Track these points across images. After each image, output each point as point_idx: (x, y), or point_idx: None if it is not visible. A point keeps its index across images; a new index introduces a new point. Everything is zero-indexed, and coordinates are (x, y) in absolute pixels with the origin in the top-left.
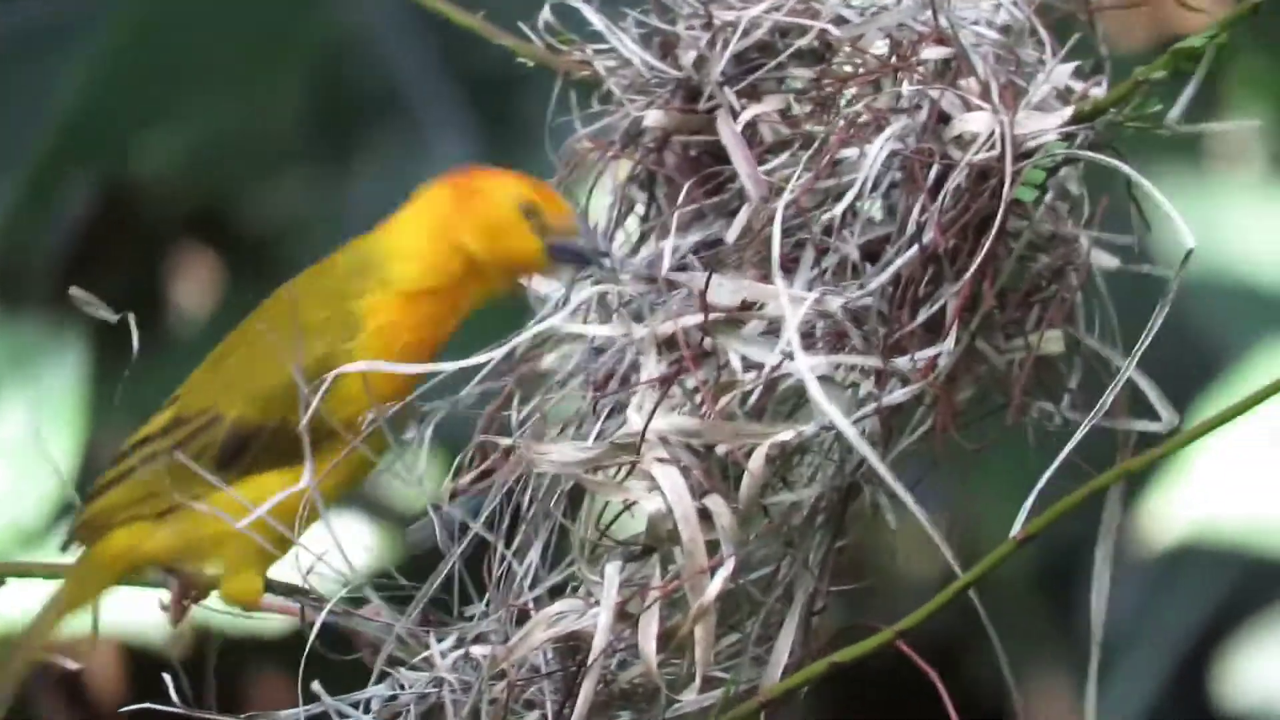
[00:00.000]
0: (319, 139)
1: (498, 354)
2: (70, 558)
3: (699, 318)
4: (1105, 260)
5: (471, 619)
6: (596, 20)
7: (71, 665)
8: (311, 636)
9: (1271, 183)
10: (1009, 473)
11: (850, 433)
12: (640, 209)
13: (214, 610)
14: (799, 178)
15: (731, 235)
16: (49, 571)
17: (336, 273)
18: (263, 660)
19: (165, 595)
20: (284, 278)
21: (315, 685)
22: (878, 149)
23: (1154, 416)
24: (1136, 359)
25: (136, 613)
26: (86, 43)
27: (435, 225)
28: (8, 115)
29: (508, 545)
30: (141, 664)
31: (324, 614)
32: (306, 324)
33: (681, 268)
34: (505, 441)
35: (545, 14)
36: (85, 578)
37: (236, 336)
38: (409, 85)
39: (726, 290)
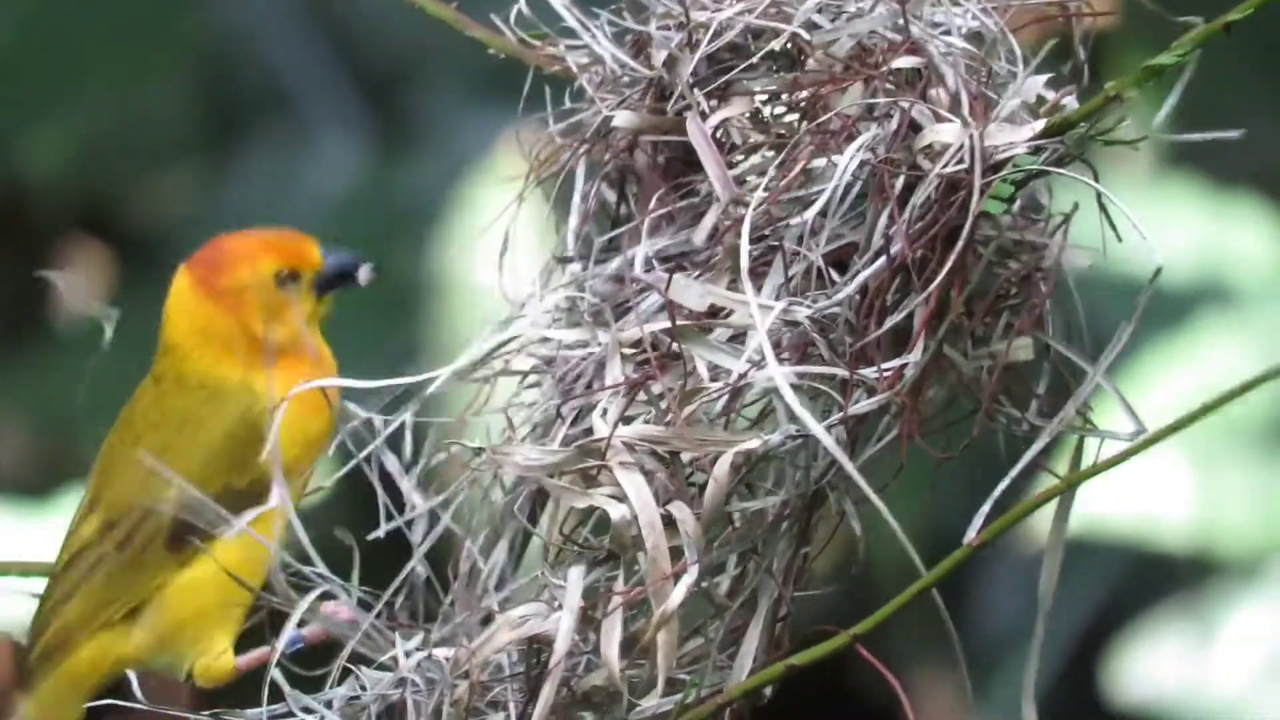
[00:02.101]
0: (206, 134)
1: (463, 361)
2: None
3: (666, 322)
4: (1078, 260)
5: (435, 620)
6: (570, 17)
7: None
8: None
9: (1158, 179)
10: (967, 476)
11: (828, 442)
12: (610, 208)
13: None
14: (768, 184)
15: (699, 237)
16: (24, 570)
17: (189, 394)
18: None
19: None
20: (171, 273)
21: (277, 677)
22: (848, 158)
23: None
24: (1105, 366)
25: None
26: None
27: (226, 340)
28: None
29: (474, 546)
30: None
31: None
32: (198, 407)
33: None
34: (471, 444)
35: (519, 7)
36: (57, 702)
37: (122, 436)
38: (297, 81)
39: (693, 293)
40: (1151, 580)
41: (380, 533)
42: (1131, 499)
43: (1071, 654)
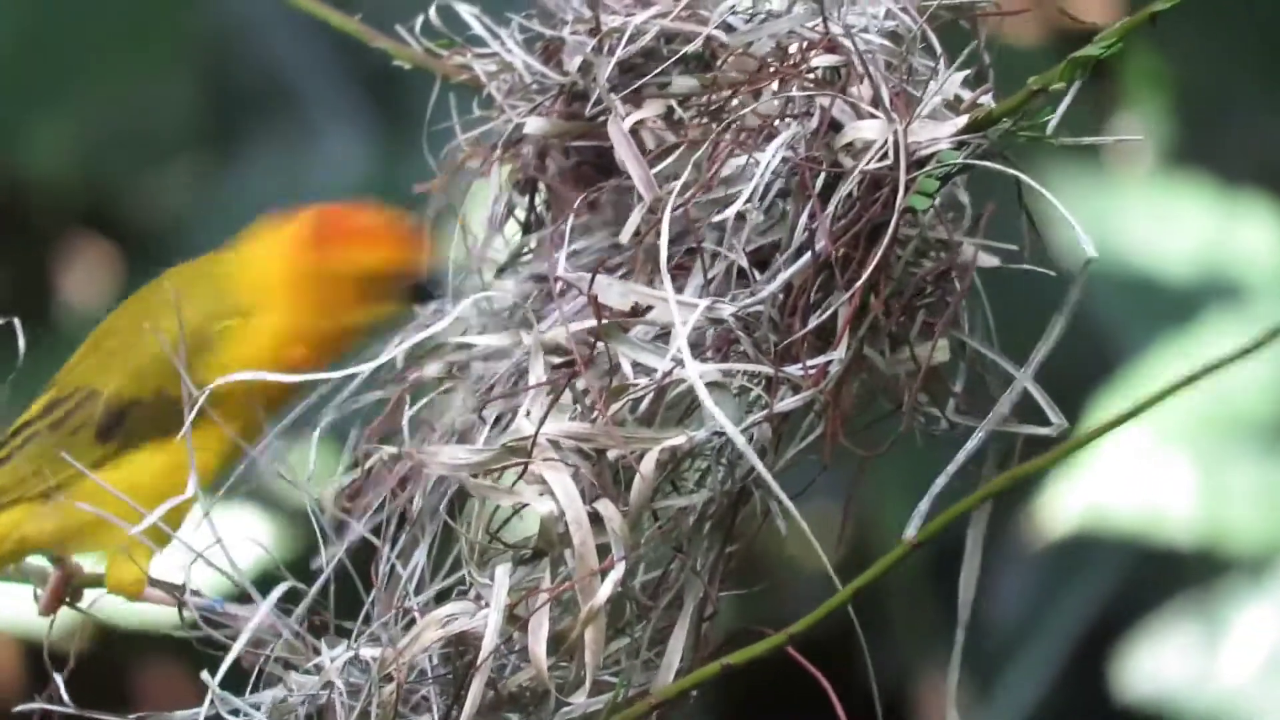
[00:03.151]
0: (209, 130)
1: (377, 362)
2: None
3: (589, 323)
4: (986, 260)
5: (356, 621)
6: (476, 24)
7: None
8: (187, 631)
9: (1163, 177)
10: (905, 472)
11: (740, 441)
12: (520, 214)
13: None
14: (687, 184)
15: (624, 237)
16: None
17: (213, 281)
18: (158, 655)
19: (41, 588)
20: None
21: (207, 677)
22: (770, 156)
23: (1042, 418)
24: (1034, 368)
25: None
26: None
27: (300, 295)
28: None
29: (392, 547)
30: (38, 658)
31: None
32: (183, 312)
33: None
34: (392, 448)
35: (428, 16)
36: None
37: (110, 321)
38: (299, 77)
39: (615, 292)
40: (1158, 577)
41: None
42: (1137, 496)
43: (1078, 649)
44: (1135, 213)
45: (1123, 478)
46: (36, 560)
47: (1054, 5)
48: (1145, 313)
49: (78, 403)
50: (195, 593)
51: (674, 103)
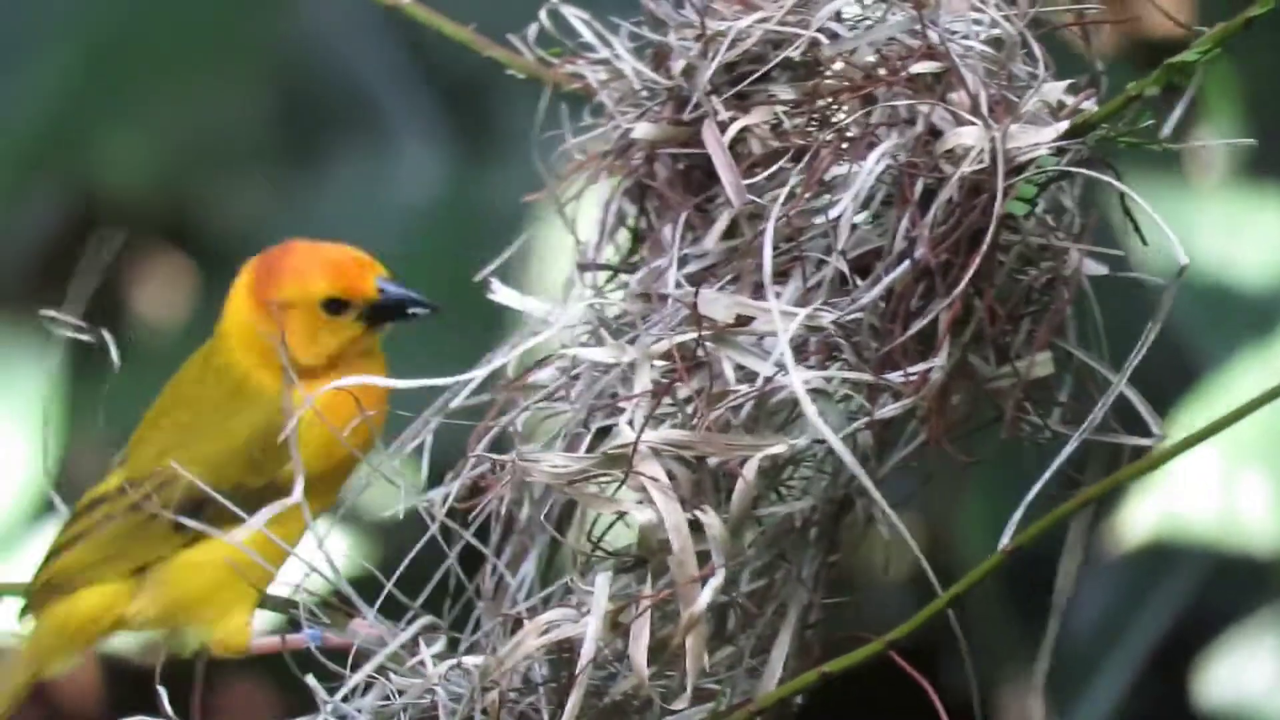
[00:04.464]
0: (285, 143)
1: (483, 371)
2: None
3: (693, 334)
4: (1094, 267)
5: (463, 629)
6: (588, 32)
7: None
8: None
9: (1237, 187)
10: (979, 479)
11: (841, 449)
12: (630, 222)
13: None
14: (789, 192)
15: (710, 241)
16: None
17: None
18: (240, 669)
19: None
20: None
21: (314, 683)
22: (871, 164)
23: (1140, 426)
24: (1128, 375)
25: None
26: (52, 50)
27: (265, 347)
28: None
29: (499, 555)
30: (118, 674)
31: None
32: (229, 401)
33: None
34: (497, 455)
35: (538, 25)
36: (54, 642)
37: (171, 394)
38: (379, 89)
39: (720, 306)
40: (1237, 585)
41: (399, 510)
42: (1214, 504)
43: (1158, 658)
44: (1210, 222)
45: (1199, 486)
46: None
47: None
48: (1222, 322)
49: (151, 490)
50: (296, 626)
51: (779, 109)
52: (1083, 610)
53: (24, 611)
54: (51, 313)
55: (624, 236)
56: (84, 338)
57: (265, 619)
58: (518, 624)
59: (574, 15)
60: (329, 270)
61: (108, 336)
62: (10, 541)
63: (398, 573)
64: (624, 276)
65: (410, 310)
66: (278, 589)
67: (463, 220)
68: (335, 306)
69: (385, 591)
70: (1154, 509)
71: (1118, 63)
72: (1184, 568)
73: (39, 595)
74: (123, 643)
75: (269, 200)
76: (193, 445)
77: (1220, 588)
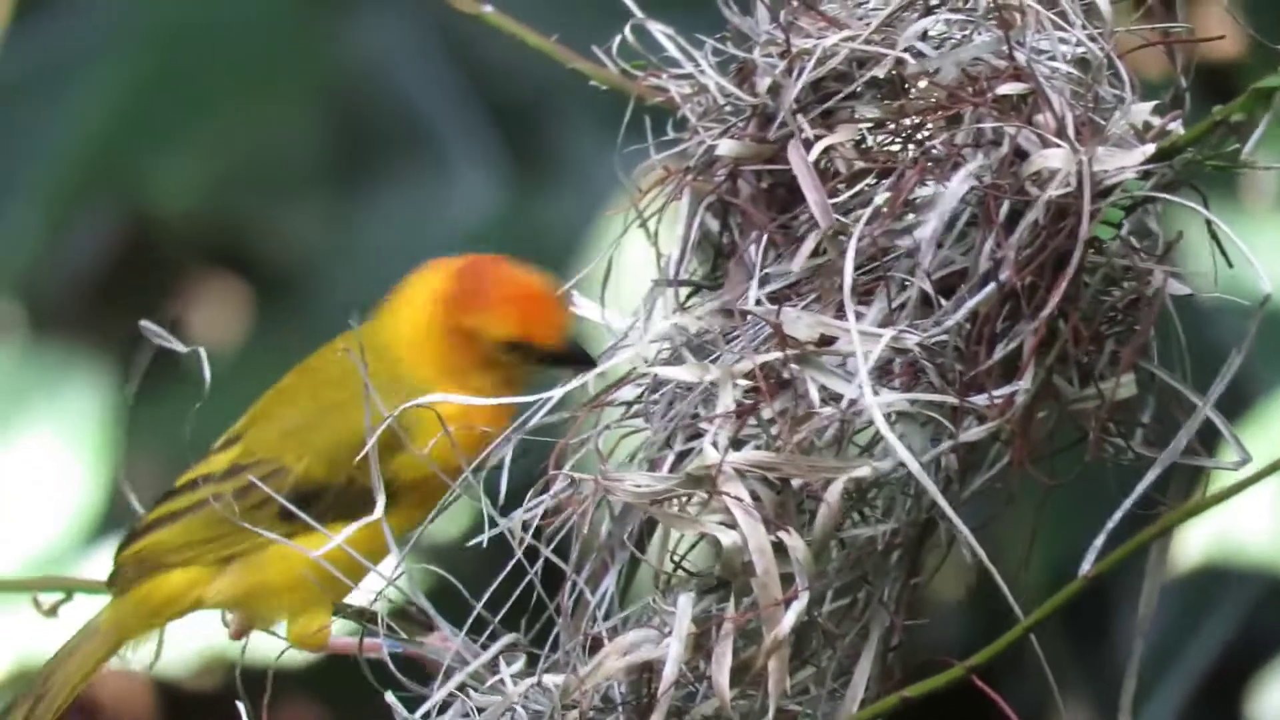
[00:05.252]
0: (341, 167)
1: (566, 388)
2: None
3: (776, 354)
4: (1178, 288)
5: (541, 646)
6: (672, 46)
7: None
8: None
9: None
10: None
11: (921, 474)
12: (713, 238)
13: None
14: (873, 212)
15: (797, 263)
16: (95, 588)
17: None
18: (292, 690)
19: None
20: (306, 307)
21: (393, 700)
22: (957, 185)
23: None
24: (1214, 400)
25: (167, 646)
26: (105, 73)
27: (437, 356)
28: (28, 146)
29: (578, 574)
30: (172, 697)
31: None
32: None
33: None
34: (579, 474)
35: (624, 37)
36: (133, 617)
37: (295, 381)
38: (433, 113)
39: (803, 325)
40: None
41: (484, 538)
42: (1268, 527)
43: (1212, 679)
44: (1266, 245)
45: (1253, 508)
46: None
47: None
48: (1276, 346)
49: (264, 475)
50: (372, 634)
51: (864, 128)
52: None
53: (110, 580)
54: (149, 325)
55: (706, 253)
56: (178, 349)
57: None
58: (597, 643)
59: (659, 30)
60: (523, 313)
61: (201, 353)
62: (65, 561)
63: (487, 594)
64: (705, 293)
65: (579, 365)
66: (354, 598)
67: (517, 243)
68: (517, 349)
69: (472, 611)
70: (1208, 532)
71: (1161, 85)
72: (1238, 590)
73: (127, 568)
74: (175, 667)
75: (323, 224)
76: (315, 434)
77: (1274, 610)
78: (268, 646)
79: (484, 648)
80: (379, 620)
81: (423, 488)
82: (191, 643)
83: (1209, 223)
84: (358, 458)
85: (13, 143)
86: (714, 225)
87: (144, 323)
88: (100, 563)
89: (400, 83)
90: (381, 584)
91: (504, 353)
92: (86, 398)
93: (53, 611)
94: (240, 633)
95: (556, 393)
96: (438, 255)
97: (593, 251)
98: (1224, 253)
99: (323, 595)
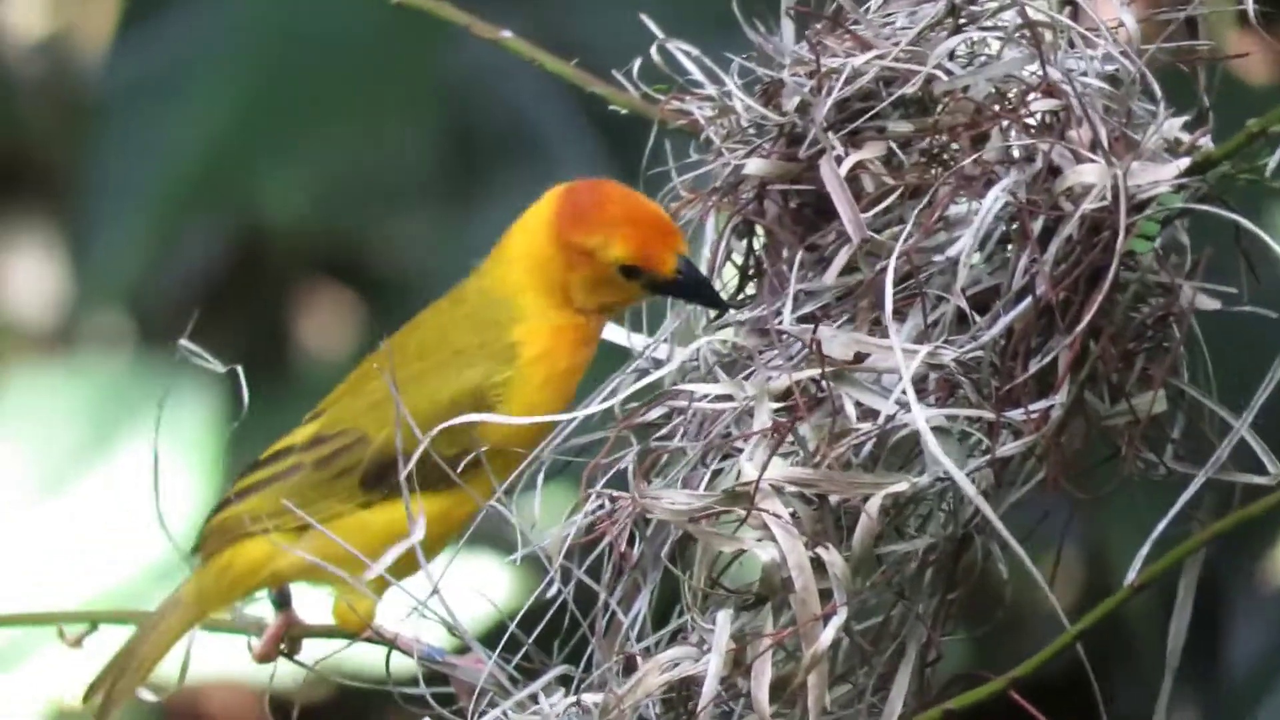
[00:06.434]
0: (449, 179)
1: (583, 411)
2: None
3: (812, 372)
4: (1207, 302)
5: (575, 667)
6: (695, 69)
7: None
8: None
9: None
10: (1135, 514)
11: (966, 486)
12: (738, 258)
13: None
14: (908, 230)
15: (829, 278)
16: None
17: (472, 300)
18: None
19: (257, 636)
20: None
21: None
22: (991, 202)
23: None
24: (1253, 413)
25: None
26: (215, 84)
27: (546, 277)
28: (137, 157)
29: (611, 593)
30: (281, 709)
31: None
32: (459, 350)
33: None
34: (615, 492)
35: (647, 59)
36: (215, 588)
37: (380, 356)
38: (540, 123)
39: (839, 343)
40: None
41: (516, 557)
42: None
43: None
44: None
45: None
46: (252, 609)
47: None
48: None
49: (345, 445)
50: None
51: (893, 145)
52: (1242, 645)
53: (194, 550)
54: (188, 345)
55: (730, 273)
56: (216, 368)
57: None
58: (632, 662)
59: (681, 51)
60: (636, 236)
61: (240, 371)
62: (174, 573)
63: (520, 613)
64: (732, 312)
65: (697, 298)
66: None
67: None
68: (631, 272)
69: (506, 633)
70: None
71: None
72: None
73: (211, 537)
74: (285, 677)
75: (433, 233)
76: (391, 406)
77: None
78: (373, 659)
79: (518, 669)
80: (416, 649)
81: (507, 453)
82: (301, 654)
83: (1237, 236)
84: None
85: (122, 154)
86: (739, 245)
87: (182, 342)
88: None
89: (508, 93)
90: (421, 596)
91: (619, 275)
92: (195, 409)
93: (77, 644)
94: (268, 650)
95: (580, 413)
96: None
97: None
98: (1253, 269)
99: (378, 579)
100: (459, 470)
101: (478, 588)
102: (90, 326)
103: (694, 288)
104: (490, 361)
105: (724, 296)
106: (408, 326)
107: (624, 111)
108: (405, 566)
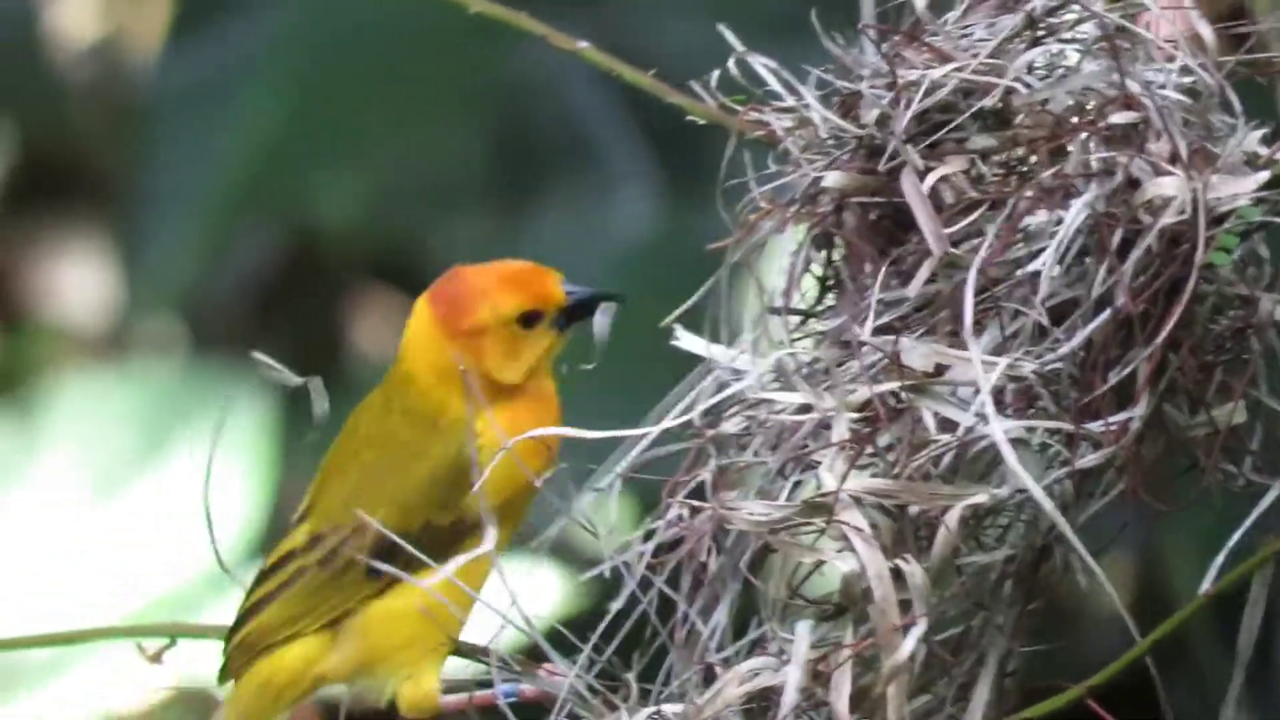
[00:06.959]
0: (502, 183)
1: (660, 426)
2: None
3: (892, 385)
4: None
5: (653, 677)
6: (773, 80)
7: None
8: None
9: None
10: (1203, 524)
11: (1043, 500)
12: (817, 269)
13: None
14: (988, 243)
15: (912, 289)
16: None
17: (401, 420)
18: None
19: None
20: None
21: None
22: (1074, 214)
23: None
24: None
25: None
26: (267, 87)
27: (459, 377)
28: (190, 161)
29: (690, 604)
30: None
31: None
32: (405, 441)
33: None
34: (694, 503)
35: (727, 69)
36: (257, 706)
37: (339, 450)
38: (594, 130)
39: (919, 354)
40: None
41: (594, 573)
42: None
43: None
44: None
45: None
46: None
47: None
48: None
49: (342, 540)
50: (499, 664)
51: (975, 158)
52: None
53: (222, 674)
54: (261, 356)
55: (810, 284)
56: (290, 380)
57: (458, 666)
58: (711, 673)
59: (760, 63)
60: (514, 286)
61: (319, 382)
62: (226, 579)
63: (601, 626)
64: (811, 324)
65: (600, 304)
66: (468, 634)
67: (676, 261)
68: (529, 319)
69: (583, 643)
70: None
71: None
72: None
73: (236, 656)
74: (338, 693)
75: (486, 237)
76: (380, 487)
77: None
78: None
79: (597, 678)
80: (492, 659)
81: (500, 513)
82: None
83: None
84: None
85: (173, 159)
86: (818, 257)
87: (255, 354)
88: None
89: (561, 98)
90: (495, 625)
91: (523, 330)
92: (248, 415)
93: (157, 659)
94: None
95: (655, 429)
96: (597, 271)
97: (756, 267)
98: None
99: (431, 650)
100: (458, 538)
101: (539, 600)
102: (143, 331)
103: (590, 297)
104: (455, 437)
105: (803, 307)
106: (353, 414)
107: (701, 122)
108: (454, 623)
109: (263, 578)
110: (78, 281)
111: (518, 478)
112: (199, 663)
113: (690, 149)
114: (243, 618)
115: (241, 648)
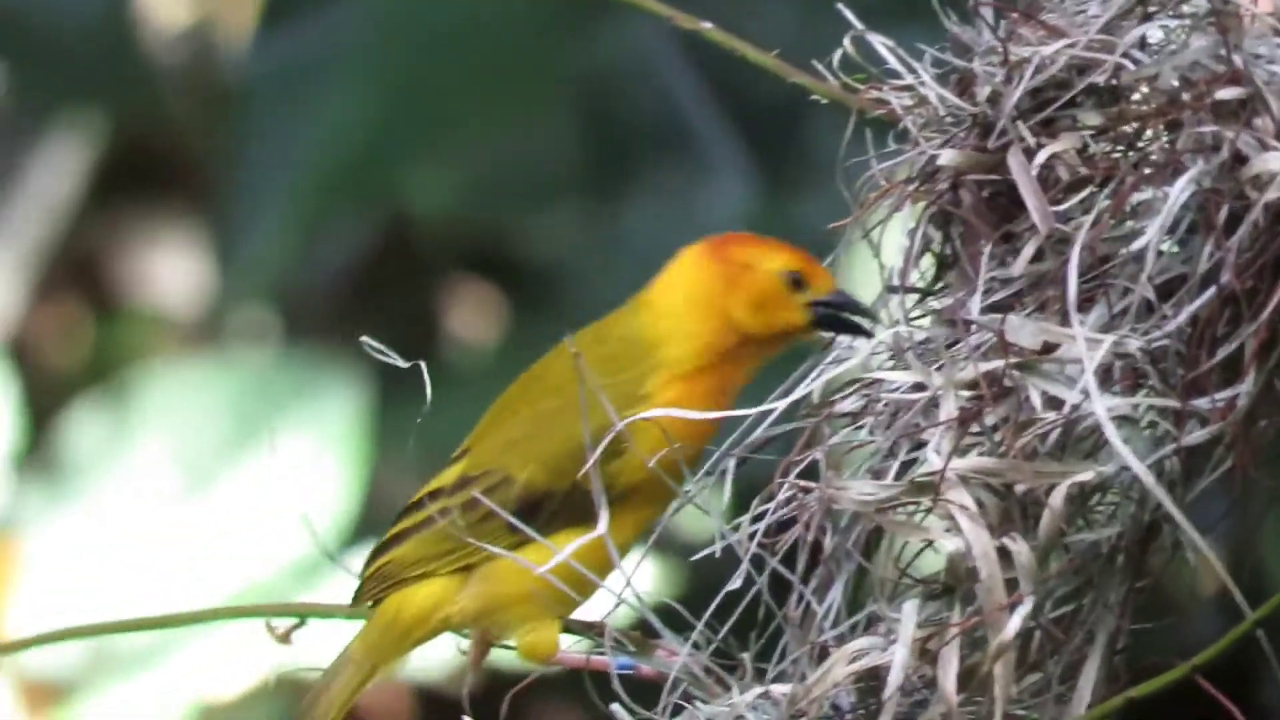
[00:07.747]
0: (595, 172)
1: (790, 399)
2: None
3: (999, 362)
4: None
5: (768, 656)
6: (892, 58)
7: None
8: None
9: None
10: None
11: (1146, 477)
12: (935, 247)
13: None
14: (1095, 220)
15: (1018, 268)
16: (350, 614)
17: (613, 344)
18: (548, 693)
19: (465, 643)
20: (561, 310)
21: (620, 712)
22: (1179, 190)
23: None
24: None
25: (423, 652)
26: (357, 77)
27: (705, 303)
28: (281, 151)
29: (805, 583)
30: (430, 703)
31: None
32: (590, 391)
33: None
34: (806, 483)
35: (841, 51)
36: (385, 641)
37: (518, 391)
38: (685, 117)
39: (1026, 333)
40: None
41: (716, 548)
42: None
43: None
44: None
45: None
46: None
47: None
48: None
49: (491, 486)
50: (613, 640)
51: (1087, 136)
52: None
53: (354, 601)
54: (369, 341)
55: (929, 262)
56: (397, 363)
57: (568, 641)
58: (824, 652)
59: (880, 42)
60: (793, 252)
61: (424, 367)
62: (321, 567)
63: (712, 606)
64: (928, 302)
65: (855, 318)
66: (581, 613)
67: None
68: (795, 281)
69: (697, 623)
70: None
71: None
72: None
73: (370, 584)
74: (433, 672)
75: (578, 226)
76: (536, 442)
77: None
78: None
79: (711, 658)
80: (606, 636)
81: (645, 490)
82: (452, 646)
83: None
84: (582, 470)
85: (265, 147)
86: (936, 235)
87: (364, 339)
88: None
89: (653, 85)
90: (611, 599)
91: (784, 287)
92: (342, 403)
93: (285, 638)
94: (479, 657)
95: (779, 404)
96: None
97: (855, 254)
98: None
99: (554, 607)
100: (607, 504)
101: (660, 585)
102: (236, 320)
103: (851, 303)
104: (619, 405)
105: (921, 285)
106: (546, 357)
107: (824, 101)
108: (578, 592)
109: (408, 511)
110: (170, 269)
111: (666, 458)
112: (287, 652)
113: (785, 133)
114: (382, 547)
115: (376, 577)
